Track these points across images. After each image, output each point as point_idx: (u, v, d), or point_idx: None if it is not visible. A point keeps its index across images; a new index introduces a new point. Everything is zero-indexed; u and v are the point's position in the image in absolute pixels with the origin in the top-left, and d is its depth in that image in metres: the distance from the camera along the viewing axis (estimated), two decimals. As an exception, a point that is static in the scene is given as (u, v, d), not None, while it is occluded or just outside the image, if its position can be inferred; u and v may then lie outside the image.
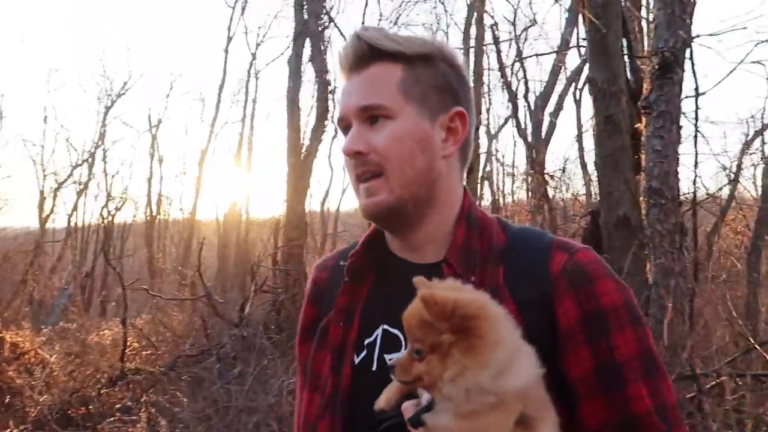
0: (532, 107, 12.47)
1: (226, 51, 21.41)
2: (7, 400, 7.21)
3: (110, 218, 21.82)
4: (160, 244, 23.97)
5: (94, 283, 20.02)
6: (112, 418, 6.04)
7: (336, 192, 23.82)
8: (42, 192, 23.50)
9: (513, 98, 8.46)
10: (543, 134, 14.45)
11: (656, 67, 4.60)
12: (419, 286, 0.97)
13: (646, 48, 6.73)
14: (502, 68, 8.67)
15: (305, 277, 10.88)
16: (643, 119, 4.88)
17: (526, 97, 8.84)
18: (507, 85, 8.04)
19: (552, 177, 6.75)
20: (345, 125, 1.21)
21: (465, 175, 1.28)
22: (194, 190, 21.92)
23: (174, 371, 7.30)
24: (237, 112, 26.57)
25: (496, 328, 0.91)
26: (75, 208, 23.77)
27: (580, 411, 1.06)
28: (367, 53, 1.17)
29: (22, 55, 57.36)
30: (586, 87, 5.96)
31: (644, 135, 4.90)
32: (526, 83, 9.18)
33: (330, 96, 10.20)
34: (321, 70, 9.98)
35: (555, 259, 1.12)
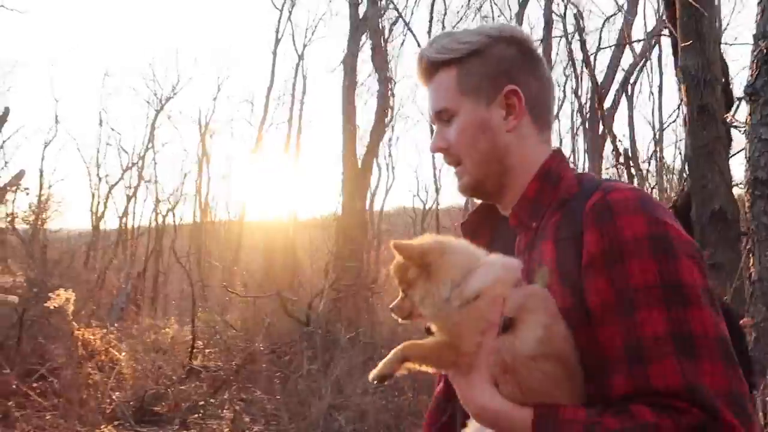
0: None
1: (274, 53, 21.58)
2: (84, 396, 7.31)
3: (163, 220, 22.15)
4: (208, 246, 24.25)
5: (145, 283, 20.35)
6: (195, 415, 6.04)
7: (381, 192, 23.68)
8: (94, 195, 24.04)
9: (598, 89, 8.25)
10: (600, 129, 14.15)
11: (764, 51, 4.37)
12: (393, 244, 1.23)
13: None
14: (586, 58, 8.44)
15: (365, 273, 10.84)
16: (747, 107, 4.65)
17: (598, 90, 8.62)
18: (592, 75, 7.84)
19: (640, 170, 6.57)
20: (433, 122, 1.44)
21: (549, 132, 1.43)
22: (242, 192, 22.10)
23: (247, 368, 7.30)
24: (284, 114, 26.48)
25: (445, 257, 1.20)
26: (126, 210, 24.24)
27: (599, 338, 1.11)
28: (429, 68, 1.40)
29: (76, 61, 59.04)
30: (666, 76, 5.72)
31: (748, 123, 4.67)
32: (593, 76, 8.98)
33: (390, 92, 10.03)
34: (381, 67, 9.87)
35: (591, 199, 1.19)
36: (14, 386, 7.17)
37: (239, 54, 51.86)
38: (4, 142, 19.16)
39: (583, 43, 8.28)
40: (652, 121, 20.01)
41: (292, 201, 22.43)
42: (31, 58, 48.37)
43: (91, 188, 24.58)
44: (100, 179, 24.13)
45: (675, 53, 6.31)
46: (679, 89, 6.27)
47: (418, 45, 16.40)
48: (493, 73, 1.35)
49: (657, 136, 15.71)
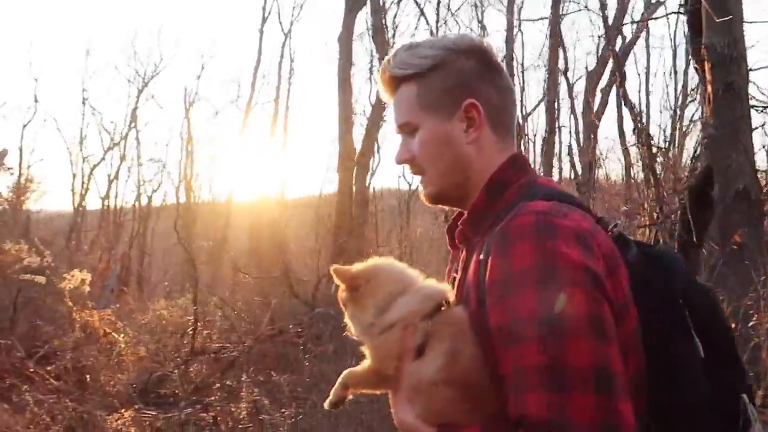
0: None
1: (261, 31, 21.16)
2: (87, 378, 7.14)
3: (148, 200, 21.77)
4: (194, 227, 23.92)
5: (131, 264, 20.03)
6: (213, 398, 5.92)
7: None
8: (75, 175, 23.54)
9: (620, 67, 8.13)
10: (594, 110, 14.15)
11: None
12: (333, 269, 1.36)
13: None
14: (608, 32, 8.30)
15: (367, 253, 10.75)
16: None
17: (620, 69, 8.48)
18: (613, 52, 7.71)
19: (660, 149, 6.52)
20: (397, 132, 1.47)
21: (511, 139, 1.45)
22: (228, 173, 21.77)
23: (254, 349, 7.18)
24: (270, 93, 25.92)
25: (373, 284, 1.31)
26: (108, 191, 23.79)
27: (498, 361, 1.14)
28: (392, 82, 1.43)
29: (56, 39, 57.52)
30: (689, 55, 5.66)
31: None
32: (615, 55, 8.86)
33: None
34: (383, 43, 9.69)
35: (503, 222, 1.21)
36: (17, 367, 6.99)
37: (224, 33, 50.76)
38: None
39: (605, 18, 8.12)
40: (639, 104, 20.24)
41: (279, 181, 22.12)
42: (8, 36, 47.01)
43: (72, 168, 24.05)
44: (84, 159, 23.59)
45: (694, 32, 6.25)
46: (698, 68, 6.22)
47: (427, 22, 16.19)
48: (452, 86, 1.38)
49: (678, 114, 15.71)
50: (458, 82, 1.38)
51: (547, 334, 1.07)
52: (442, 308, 1.29)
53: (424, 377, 1.22)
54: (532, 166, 1.72)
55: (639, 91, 19.57)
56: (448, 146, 1.38)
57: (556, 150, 16.31)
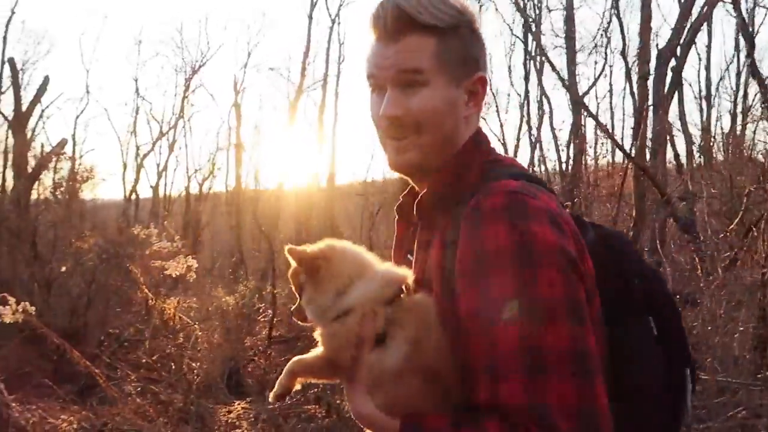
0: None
1: (310, 17, 20.88)
2: (172, 367, 7.06)
3: (199, 189, 21.89)
4: (246, 215, 24.02)
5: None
6: (316, 388, 5.73)
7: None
8: (126, 165, 23.79)
9: (749, 37, 7.56)
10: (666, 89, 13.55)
11: None
12: (287, 249, 1.26)
13: None
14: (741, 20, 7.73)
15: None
16: None
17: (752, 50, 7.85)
18: (742, 22, 7.16)
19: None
20: (375, 83, 1.33)
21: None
22: (277, 160, 21.70)
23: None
24: (319, 80, 25.64)
25: (331, 266, 1.24)
26: (158, 179, 23.99)
27: (468, 346, 1.10)
28: (406, 24, 1.25)
29: (106, 30, 59.31)
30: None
31: None
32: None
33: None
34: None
35: (470, 203, 1.16)
36: (97, 355, 6.96)
37: (272, 20, 50.59)
38: (43, 110, 18.83)
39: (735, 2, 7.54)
40: (698, 82, 19.43)
41: (327, 168, 21.96)
42: (62, 28, 47.87)
43: (122, 158, 24.29)
44: (138, 149, 23.81)
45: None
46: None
47: None
48: (466, 56, 1.31)
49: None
50: (471, 54, 1.32)
51: (524, 317, 1.04)
52: (403, 294, 1.23)
53: (387, 367, 1.16)
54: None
55: (698, 70, 18.89)
56: (451, 114, 1.30)
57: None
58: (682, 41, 10.51)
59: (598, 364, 1.06)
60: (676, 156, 11.84)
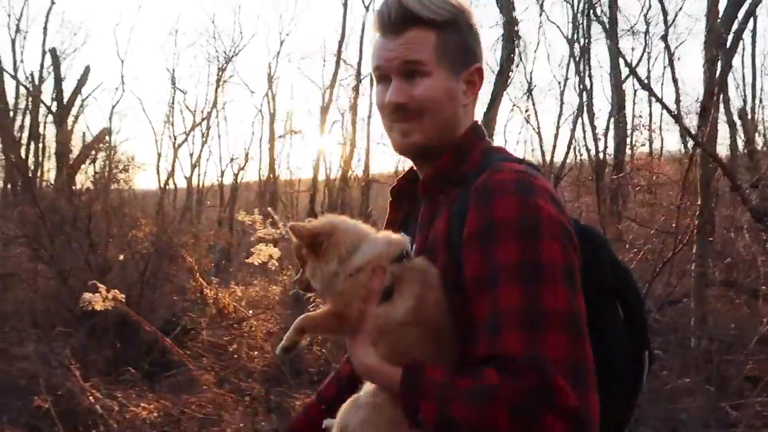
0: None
1: (345, 4, 20.74)
2: (233, 356, 7.05)
3: (234, 178, 21.98)
4: (276, 203, 24.09)
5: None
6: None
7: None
8: (161, 155, 23.97)
9: None
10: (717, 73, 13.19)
11: None
12: (289, 227, 1.39)
13: None
14: None
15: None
16: None
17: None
18: None
19: None
20: (380, 74, 1.45)
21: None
22: (311, 150, 21.68)
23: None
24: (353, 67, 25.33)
25: (334, 237, 1.34)
26: (193, 169, 24.13)
27: (471, 307, 1.21)
28: (408, 19, 1.37)
29: (140, 21, 62.41)
30: None
31: None
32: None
33: (515, 36, 9.30)
34: (509, 6, 9.14)
35: (479, 179, 1.28)
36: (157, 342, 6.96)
37: (305, 7, 50.49)
38: (84, 100, 19.02)
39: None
40: (741, 70, 18.93)
41: (362, 157, 21.84)
42: (97, 18, 48.44)
43: (157, 148, 24.48)
44: (174, 138, 23.96)
45: None
46: None
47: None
48: (464, 49, 1.43)
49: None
50: (468, 47, 1.43)
51: (527, 279, 1.15)
52: (404, 258, 1.31)
53: (393, 318, 1.25)
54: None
55: (742, 57, 18.36)
56: (451, 102, 1.42)
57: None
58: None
59: (586, 327, 1.17)
60: (746, 141, 11.53)
